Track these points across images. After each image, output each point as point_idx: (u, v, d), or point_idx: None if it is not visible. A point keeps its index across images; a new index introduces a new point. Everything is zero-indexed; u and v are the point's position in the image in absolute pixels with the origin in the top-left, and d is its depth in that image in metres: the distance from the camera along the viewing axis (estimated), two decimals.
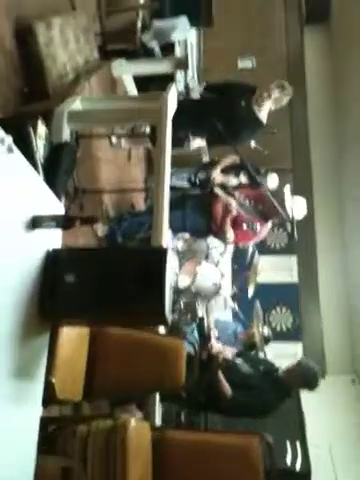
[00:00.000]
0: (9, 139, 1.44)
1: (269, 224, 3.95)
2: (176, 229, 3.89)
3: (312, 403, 4.87)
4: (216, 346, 3.44)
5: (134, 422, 2.05)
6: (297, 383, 3.33)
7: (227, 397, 3.13)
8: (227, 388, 3.14)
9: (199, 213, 3.95)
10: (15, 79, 2.89)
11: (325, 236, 6.76)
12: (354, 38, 6.40)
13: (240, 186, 3.94)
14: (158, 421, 2.86)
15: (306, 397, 4.89)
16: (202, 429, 3.72)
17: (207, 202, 3.90)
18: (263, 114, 3.96)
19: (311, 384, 3.30)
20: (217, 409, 3.34)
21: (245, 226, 3.74)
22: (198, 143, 4.13)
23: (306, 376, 3.28)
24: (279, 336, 6.09)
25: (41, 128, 2.56)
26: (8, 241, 1.45)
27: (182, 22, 4.65)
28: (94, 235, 3.82)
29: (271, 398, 3.19)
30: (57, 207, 1.83)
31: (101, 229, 3.90)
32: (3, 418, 1.40)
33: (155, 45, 4.69)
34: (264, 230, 3.91)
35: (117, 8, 4.79)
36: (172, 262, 2.51)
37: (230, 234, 3.82)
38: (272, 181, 4.32)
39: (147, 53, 4.75)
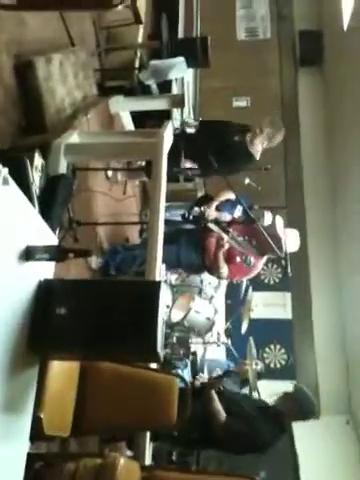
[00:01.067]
0: (5, 171, 1.45)
1: (264, 259, 3.94)
2: (170, 265, 3.87)
3: (306, 443, 4.78)
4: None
5: (123, 461, 1.98)
6: (292, 410, 3.17)
7: (220, 421, 3.02)
8: (220, 410, 3.04)
9: (193, 249, 3.93)
10: (13, 112, 2.93)
11: (319, 273, 6.76)
12: (346, 80, 6.56)
13: (233, 222, 3.94)
14: (148, 460, 2.78)
15: (300, 438, 4.80)
16: (194, 469, 3.61)
17: (201, 237, 3.90)
18: (256, 149, 4.04)
19: (307, 411, 3.17)
20: (210, 440, 3.20)
21: (238, 259, 3.71)
22: (189, 165, 4.18)
23: (302, 404, 3.15)
24: (273, 374, 6.01)
25: (38, 160, 2.58)
26: (0, 272, 1.44)
27: (179, 62, 4.76)
28: (87, 267, 3.81)
29: (265, 428, 3.07)
30: (51, 239, 1.83)
31: (95, 261, 3.89)
32: None
33: (152, 83, 4.78)
34: (259, 265, 3.90)
35: (116, 46, 4.91)
36: (165, 296, 2.49)
37: (225, 269, 3.77)
38: (268, 218, 4.35)
39: (144, 90, 4.84)
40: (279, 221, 3.76)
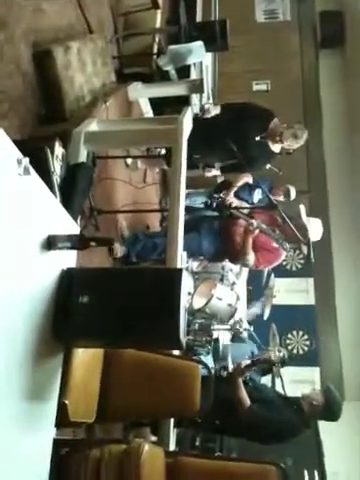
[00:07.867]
0: (26, 160, 1.44)
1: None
2: (192, 253, 3.83)
3: (330, 430, 4.75)
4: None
5: (148, 447, 2.00)
6: (319, 415, 3.18)
7: (245, 408, 3.04)
8: (245, 397, 3.06)
9: (215, 237, 3.88)
10: (33, 101, 2.93)
11: (342, 257, 6.69)
12: None
13: (255, 209, 3.88)
14: (172, 446, 2.80)
15: (324, 424, 4.78)
16: (217, 455, 3.63)
17: (225, 226, 3.84)
18: (276, 147, 3.94)
19: (333, 413, 3.15)
20: (234, 428, 3.21)
21: (274, 244, 3.64)
22: (214, 173, 4.16)
23: (330, 406, 3.12)
24: (296, 361, 5.99)
25: (58, 149, 2.58)
26: (23, 261, 1.44)
27: (198, 46, 4.70)
28: (109, 255, 3.82)
29: (290, 416, 3.08)
30: (73, 228, 1.83)
31: (119, 250, 3.89)
32: (17, 439, 1.38)
33: (171, 68, 4.73)
34: (282, 255, 3.83)
35: (134, 32, 4.86)
36: (187, 283, 2.49)
37: (251, 256, 3.70)
38: (292, 192, 4.32)
39: (163, 76, 4.80)
40: (302, 210, 3.70)
